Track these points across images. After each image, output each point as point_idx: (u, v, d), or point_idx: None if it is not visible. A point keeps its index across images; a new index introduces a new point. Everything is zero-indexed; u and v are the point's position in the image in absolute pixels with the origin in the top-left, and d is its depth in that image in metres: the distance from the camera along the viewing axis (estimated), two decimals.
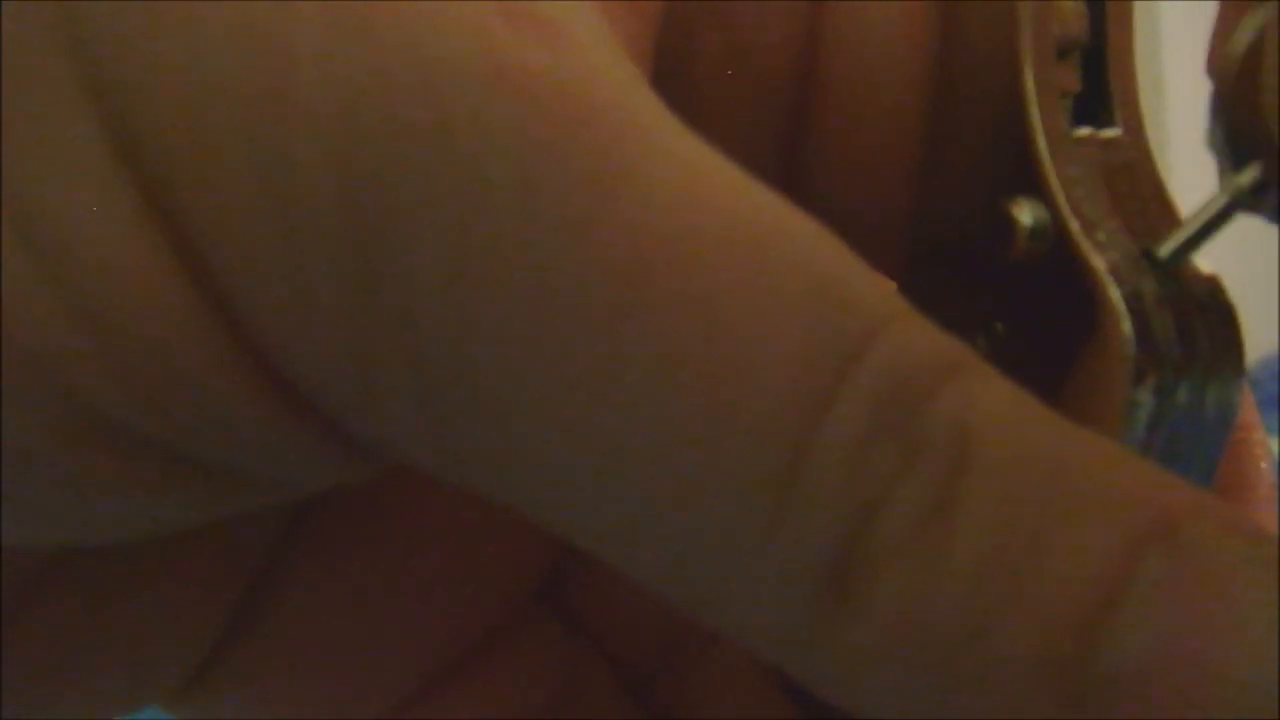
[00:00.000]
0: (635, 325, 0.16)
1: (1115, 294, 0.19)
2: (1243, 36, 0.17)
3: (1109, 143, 0.21)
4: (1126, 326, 0.19)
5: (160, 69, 0.16)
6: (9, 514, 0.17)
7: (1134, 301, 0.19)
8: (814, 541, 0.16)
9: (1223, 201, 0.19)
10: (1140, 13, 0.19)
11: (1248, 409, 0.25)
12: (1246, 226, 0.20)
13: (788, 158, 0.22)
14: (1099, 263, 0.19)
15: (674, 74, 0.21)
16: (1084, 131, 0.20)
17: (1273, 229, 0.19)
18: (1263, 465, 0.24)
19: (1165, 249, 0.19)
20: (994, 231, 0.20)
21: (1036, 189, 0.20)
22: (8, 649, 0.20)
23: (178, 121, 0.16)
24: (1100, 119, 0.21)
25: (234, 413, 0.17)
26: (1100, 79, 0.21)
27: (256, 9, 0.16)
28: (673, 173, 0.16)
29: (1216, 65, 0.18)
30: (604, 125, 0.16)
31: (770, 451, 0.16)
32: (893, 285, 0.17)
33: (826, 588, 0.16)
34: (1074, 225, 0.20)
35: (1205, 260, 0.20)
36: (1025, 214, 0.20)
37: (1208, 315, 0.19)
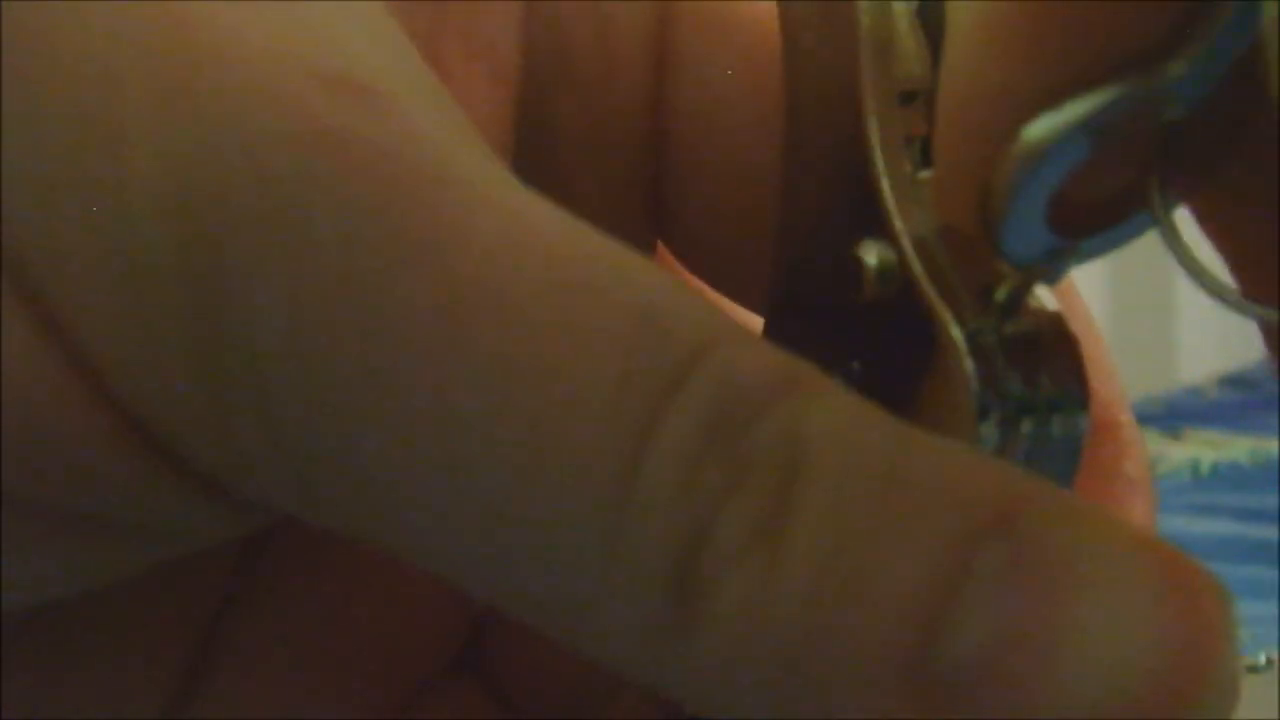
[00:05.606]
0: (460, 363, 0.17)
1: (958, 334, 0.20)
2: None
3: None
4: (969, 366, 0.20)
5: (6, 168, 0.17)
6: None
7: (975, 341, 0.20)
8: (652, 558, 0.17)
9: None
10: None
11: (1118, 404, 0.26)
12: None
13: (650, 211, 0.23)
14: (942, 304, 0.20)
15: (537, 136, 0.22)
16: (928, 174, 0.21)
17: None
18: (1130, 461, 0.25)
19: (1002, 291, 0.20)
20: (845, 274, 0.21)
21: (883, 232, 0.21)
22: None
23: (28, 212, 0.17)
24: None
25: (109, 472, 0.18)
26: None
27: (85, 95, 0.17)
28: (493, 221, 0.17)
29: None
30: (420, 180, 0.17)
31: (597, 475, 0.17)
32: (725, 312, 0.18)
33: (670, 602, 0.17)
34: (918, 268, 0.20)
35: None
36: (872, 257, 0.21)
37: (1049, 350, 0.20)
